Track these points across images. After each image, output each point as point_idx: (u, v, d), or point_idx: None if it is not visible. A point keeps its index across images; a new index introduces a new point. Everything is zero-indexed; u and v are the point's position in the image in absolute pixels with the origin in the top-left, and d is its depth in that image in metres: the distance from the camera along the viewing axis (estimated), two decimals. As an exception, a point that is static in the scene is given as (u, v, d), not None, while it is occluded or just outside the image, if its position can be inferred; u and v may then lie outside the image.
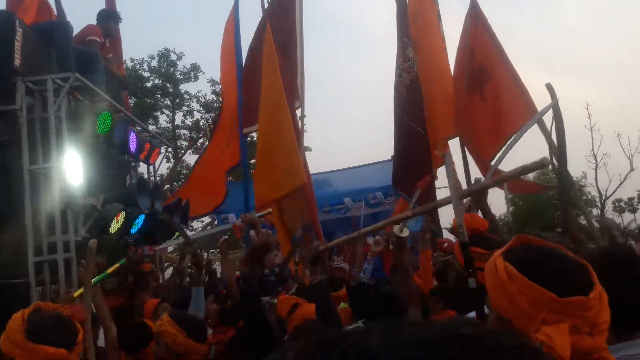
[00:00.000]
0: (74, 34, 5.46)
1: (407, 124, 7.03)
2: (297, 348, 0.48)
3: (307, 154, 11.35)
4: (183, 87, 26.85)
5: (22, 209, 4.20)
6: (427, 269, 4.51)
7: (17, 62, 4.36)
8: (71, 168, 4.24)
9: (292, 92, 6.99)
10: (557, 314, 1.15)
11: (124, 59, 8.09)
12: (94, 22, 6.25)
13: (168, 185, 25.19)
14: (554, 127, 2.90)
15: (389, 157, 8.90)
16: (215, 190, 7.93)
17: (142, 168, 6.91)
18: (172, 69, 26.15)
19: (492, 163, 5.93)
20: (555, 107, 2.86)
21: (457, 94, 6.97)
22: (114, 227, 4.66)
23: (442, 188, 7.99)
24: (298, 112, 7.38)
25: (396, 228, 2.88)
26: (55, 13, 5.80)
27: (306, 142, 9.11)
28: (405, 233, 2.88)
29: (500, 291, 1.25)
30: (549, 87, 3.01)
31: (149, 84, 25.90)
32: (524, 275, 1.20)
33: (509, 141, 3.93)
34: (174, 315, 2.70)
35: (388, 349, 0.46)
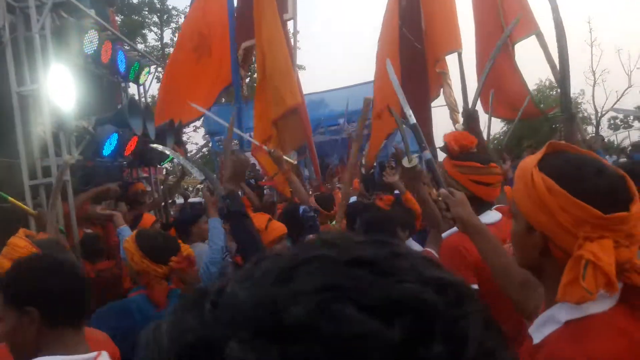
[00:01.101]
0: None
1: (405, 35, 6.80)
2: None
3: (301, 73, 11.13)
4: (170, 2, 25.89)
5: (13, 133, 4.13)
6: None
7: (-5, -24, 4.14)
8: (60, 89, 4.13)
9: (281, 3, 6.69)
10: (600, 229, 1.13)
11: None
12: None
13: (160, 106, 24.92)
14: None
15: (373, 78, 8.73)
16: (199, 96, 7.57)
17: (133, 89, 6.77)
18: (158, -17, 25.08)
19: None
20: (556, 19, 2.75)
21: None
22: (107, 150, 4.63)
23: (439, 107, 7.93)
24: (289, 26, 7.12)
25: (404, 160, 2.75)
26: None
27: (299, 60, 8.83)
28: (414, 163, 2.73)
29: (538, 206, 1.21)
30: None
31: (135, 0, 24.91)
32: (565, 189, 1.16)
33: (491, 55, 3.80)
34: (138, 233, 2.69)
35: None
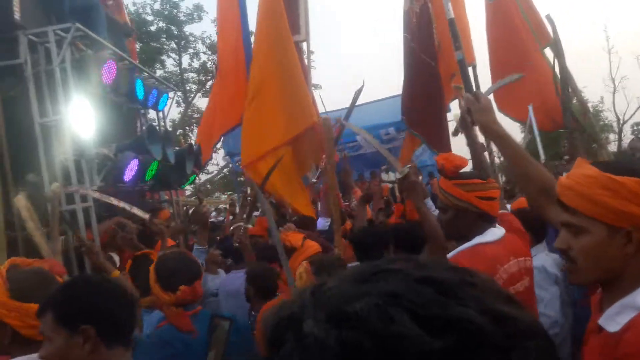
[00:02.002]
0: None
1: (415, 52, 6.83)
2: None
3: (317, 92, 11.21)
4: (187, 28, 26.40)
5: (36, 162, 4.28)
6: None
7: (16, 15, 4.32)
8: (81, 119, 4.28)
9: (292, 24, 6.77)
10: None
11: (125, 4, 7.93)
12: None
13: (180, 130, 25.30)
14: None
15: (401, 91, 8.77)
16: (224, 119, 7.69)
17: (152, 114, 6.94)
18: (175, 10, 25.61)
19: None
20: (556, 38, 2.76)
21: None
22: (128, 175, 4.75)
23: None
24: (300, 46, 7.20)
25: (398, 173, 2.78)
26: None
27: (315, 79, 8.91)
28: (404, 172, 2.75)
29: (628, 200, 1.30)
30: (549, 18, 2.92)
31: (153, 28, 25.50)
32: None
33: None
34: (159, 257, 2.72)
35: (336, 284, 0.54)
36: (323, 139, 6.74)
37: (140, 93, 5.56)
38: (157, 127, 6.19)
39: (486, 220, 2.24)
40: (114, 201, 4.20)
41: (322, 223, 5.68)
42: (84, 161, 4.41)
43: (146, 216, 4.13)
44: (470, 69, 6.74)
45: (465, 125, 2.71)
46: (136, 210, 4.14)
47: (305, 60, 7.15)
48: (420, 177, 6.01)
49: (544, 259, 3.08)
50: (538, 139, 5.93)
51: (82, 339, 1.55)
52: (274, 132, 5.82)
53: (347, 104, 6.59)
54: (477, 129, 2.39)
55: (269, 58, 6.05)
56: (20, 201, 3.34)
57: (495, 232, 2.25)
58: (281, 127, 5.89)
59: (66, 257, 4.25)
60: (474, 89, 6.34)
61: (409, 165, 2.95)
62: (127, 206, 4.13)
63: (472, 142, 2.78)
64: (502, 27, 7.12)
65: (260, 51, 6.22)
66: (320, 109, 8.38)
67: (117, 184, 4.87)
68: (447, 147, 6.23)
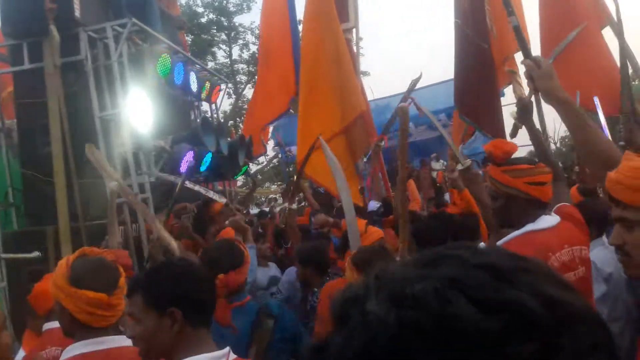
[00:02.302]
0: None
1: (468, 37, 6.64)
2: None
3: (365, 79, 11.12)
4: (237, 19, 26.68)
5: (98, 155, 4.44)
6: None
7: (77, 12, 4.49)
8: (138, 112, 4.42)
9: (341, 11, 6.73)
10: None
11: (176, -3, 8.10)
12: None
13: (232, 122, 25.71)
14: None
15: (452, 77, 8.57)
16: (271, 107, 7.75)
17: (205, 106, 7.07)
18: (224, 1, 25.94)
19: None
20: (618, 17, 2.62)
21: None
22: (183, 167, 4.87)
23: (508, 105, 7.69)
24: (349, 33, 7.14)
25: (458, 165, 2.74)
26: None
27: (363, 66, 8.83)
28: (467, 164, 2.71)
29: None
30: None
31: (203, 20, 25.92)
32: None
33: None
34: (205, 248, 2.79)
35: (399, 269, 0.58)
36: (372, 126, 6.72)
37: (194, 85, 5.68)
38: (211, 119, 6.30)
39: (537, 207, 2.18)
40: (198, 188, 4.38)
41: (373, 205, 5.85)
42: (142, 153, 4.56)
43: (223, 200, 4.27)
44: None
45: (523, 117, 2.63)
46: (212, 194, 4.29)
47: (354, 48, 7.09)
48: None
49: (598, 254, 2.95)
50: (606, 131, 5.62)
51: (170, 320, 1.62)
52: (326, 123, 5.82)
53: (395, 90, 6.51)
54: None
55: (318, 48, 6.05)
56: (91, 149, 3.49)
57: (548, 220, 2.19)
58: (333, 118, 5.89)
59: (125, 247, 4.42)
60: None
61: (472, 158, 2.92)
62: (203, 190, 4.30)
63: (531, 128, 2.70)
64: (557, 6, 6.83)
65: (309, 41, 6.23)
66: (369, 96, 8.34)
67: (173, 175, 5.00)
68: (501, 133, 6.07)
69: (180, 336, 1.63)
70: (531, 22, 6.93)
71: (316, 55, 6.08)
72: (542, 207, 2.21)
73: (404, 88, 7.22)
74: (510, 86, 6.62)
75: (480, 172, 4.93)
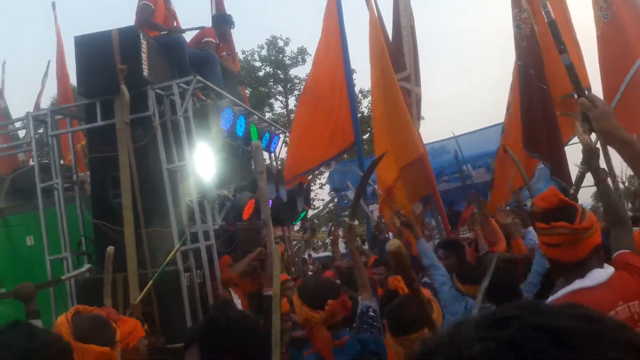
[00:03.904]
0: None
1: (532, 78, 6.55)
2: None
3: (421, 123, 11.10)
4: (293, 71, 27.59)
5: (164, 204, 4.65)
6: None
7: (145, 72, 4.80)
8: (203, 163, 4.62)
9: (398, 60, 6.89)
10: None
11: (236, 52, 8.50)
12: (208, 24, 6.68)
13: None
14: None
15: (500, 121, 8.44)
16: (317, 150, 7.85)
17: (264, 155, 7.29)
18: (280, 55, 26.93)
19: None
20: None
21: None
22: (246, 214, 5.01)
23: (574, 144, 7.48)
24: (406, 81, 7.24)
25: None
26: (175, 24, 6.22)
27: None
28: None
29: None
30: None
31: (261, 73, 26.98)
32: None
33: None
34: (301, 283, 2.81)
35: (469, 327, 0.60)
36: (430, 170, 6.71)
37: (254, 136, 5.89)
38: (270, 168, 6.48)
39: (564, 268, 2.02)
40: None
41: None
42: (206, 202, 4.72)
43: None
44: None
45: (590, 162, 2.51)
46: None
47: (412, 95, 7.16)
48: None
49: None
50: None
51: None
52: (393, 168, 5.95)
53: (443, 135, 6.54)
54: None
55: (379, 98, 6.26)
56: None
57: (599, 274, 1.99)
58: (392, 162, 5.99)
59: (191, 291, 4.55)
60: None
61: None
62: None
63: (595, 170, 2.58)
64: (616, 44, 6.68)
65: (373, 92, 6.46)
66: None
67: (236, 223, 5.14)
68: (567, 178, 5.90)
69: None
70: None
71: (378, 104, 6.29)
72: (569, 268, 2.04)
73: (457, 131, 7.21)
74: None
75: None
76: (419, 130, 6.85)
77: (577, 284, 1.97)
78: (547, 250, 2.05)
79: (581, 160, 3.16)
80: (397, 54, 6.92)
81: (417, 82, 7.25)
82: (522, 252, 4.35)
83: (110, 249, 3.36)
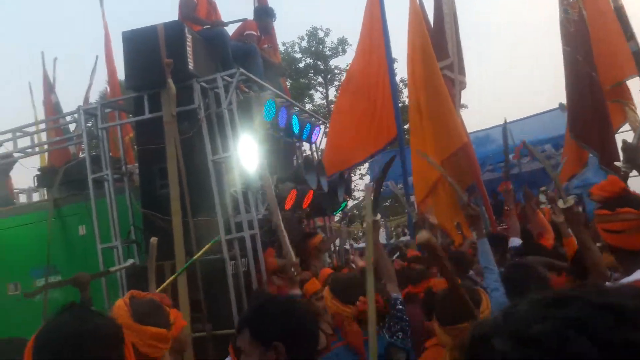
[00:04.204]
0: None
1: (580, 64, 6.35)
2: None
3: (463, 112, 10.96)
4: (333, 62, 27.57)
5: (210, 195, 4.76)
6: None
7: (190, 65, 4.91)
8: (247, 155, 4.70)
9: (442, 48, 6.80)
10: None
11: (277, 45, 8.55)
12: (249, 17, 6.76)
13: (328, 159, 26.25)
14: None
15: (556, 105, 8.25)
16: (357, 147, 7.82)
17: (305, 146, 7.35)
18: (321, 46, 26.94)
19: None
20: None
21: None
22: (288, 204, 5.08)
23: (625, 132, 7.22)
24: (449, 69, 7.14)
25: (560, 202, 2.61)
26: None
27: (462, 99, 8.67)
28: (570, 203, 2.58)
29: None
30: None
31: (301, 65, 27.09)
32: None
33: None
34: (333, 277, 2.84)
35: (524, 307, 0.61)
36: (474, 159, 6.62)
37: (296, 127, 5.95)
38: (312, 159, 6.53)
39: (629, 256, 1.99)
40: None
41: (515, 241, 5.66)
42: (250, 192, 4.81)
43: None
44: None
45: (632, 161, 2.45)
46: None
47: (456, 84, 7.06)
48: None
49: None
50: None
51: (275, 354, 1.72)
52: (433, 156, 5.88)
53: (494, 122, 6.41)
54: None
55: (419, 87, 6.18)
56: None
57: None
58: (436, 151, 5.93)
59: (236, 279, 4.66)
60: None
61: (573, 196, 2.78)
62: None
63: None
64: None
65: (411, 80, 6.38)
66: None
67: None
68: (617, 168, 5.71)
69: None
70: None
71: (417, 93, 6.22)
72: (631, 257, 2.02)
73: (502, 119, 7.06)
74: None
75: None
76: (461, 118, 6.77)
77: (637, 275, 1.96)
78: (609, 237, 2.05)
79: (622, 159, 3.10)
80: (439, 41, 6.84)
81: (461, 71, 7.14)
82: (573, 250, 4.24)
83: (154, 239, 3.47)
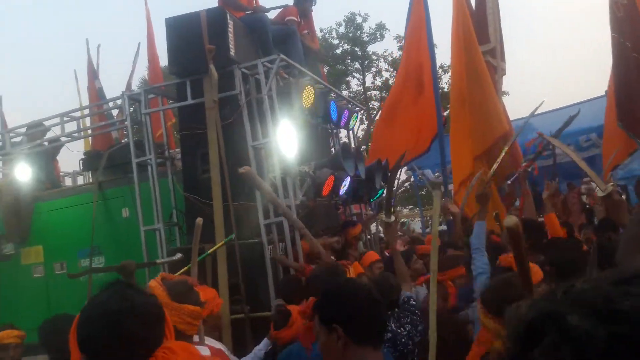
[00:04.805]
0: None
1: (628, 50, 6.14)
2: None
3: (505, 99, 10.73)
4: (370, 48, 27.30)
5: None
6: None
7: (232, 51, 4.96)
8: (285, 140, 4.75)
9: (482, 32, 6.67)
10: None
11: (315, 31, 8.54)
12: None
13: (364, 147, 26.13)
14: None
15: (603, 93, 8.00)
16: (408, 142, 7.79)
17: (342, 133, 7.36)
18: (358, 32, 26.70)
19: None
20: None
21: None
22: (325, 190, 5.11)
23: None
24: (491, 55, 7.00)
25: (598, 191, 2.55)
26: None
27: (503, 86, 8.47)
28: (609, 189, 2.51)
29: None
30: None
31: (338, 51, 26.91)
32: None
33: None
34: None
35: (586, 285, 0.60)
36: (516, 147, 6.50)
37: (334, 114, 5.95)
38: (350, 145, 6.52)
39: None
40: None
41: None
42: (289, 178, 4.86)
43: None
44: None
45: None
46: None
47: (497, 71, 6.93)
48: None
49: None
50: None
51: (336, 336, 1.82)
52: (472, 145, 5.80)
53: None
54: None
55: (461, 73, 6.09)
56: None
57: None
58: (477, 140, 5.85)
59: (274, 263, 4.73)
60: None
61: (611, 183, 2.71)
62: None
63: None
64: None
65: (454, 66, 6.29)
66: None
67: (316, 199, 5.25)
68: None
69: (346, 352, 1.80)
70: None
71: (459, 80, 6.13)
72: None
73: (544, 107, 6.89)
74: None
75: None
76: (503, 105, 6.65)
77: None
78: None
79: None
80: (480, 25, 6.71)
81: (502, 57, 7.00)
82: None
83: (199, 220, 3.55)
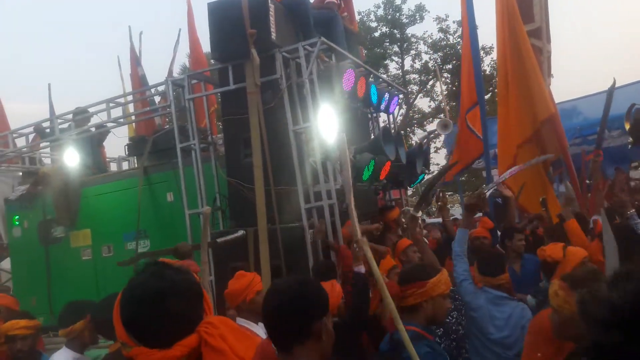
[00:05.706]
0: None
1: None
2: None
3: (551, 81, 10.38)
4: (409, 30, 26.87)
5: (291, 164, 4.85)
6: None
7: (273, 35, 4.96)
8: (326, 125, 4.73)
9: (527, 11, 6.46)
10: None
11: (354, 13, 8.44)
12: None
13: (402, 131, 25.88)
14: None
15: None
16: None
17: (382, 116, 7.29)
18: (397, 14, 26.30)
19: None
20: None
21: None
22: (366, 175, 5.09)
23: None
24: (536, 37, 6.77)
25: None
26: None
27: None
28: None
29: None
30: None
31: (377, 34, 26.60)
32: None
33: None
34: None
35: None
36: (561, 132, 6.31)
37: (374, 97, 5.89)
38: (390, 129, 6.47)
39: None
40: None
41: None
42: (329, 162, 4.86)
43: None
44: None
45: None
46: None
47: (543, 53, 6.71)
48: None
49: None
50: None
51: None
52: (519, 129, 5.68)
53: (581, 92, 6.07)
54: None
55: (507, 54, 5.95)
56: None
57: None
58: (523, 124, 5.71)
59: (314, 247, 4.76)
60: None
61: None
62: None
63: None
64: None
65: (500, 48, 6.16)
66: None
67: (356, 183, 5.24)
68: None
69: None
70: None
71: (504, 62, 5.99)
72: None
73: (591, 89, 6.66)
74: None
75: None
76: (549, 88, 6.45)
77: None
78: None
79: None
80: (525, 3, 6.50)
81: (548, 39, 6.77)
82: None
83: (207, 209, 3.56)
